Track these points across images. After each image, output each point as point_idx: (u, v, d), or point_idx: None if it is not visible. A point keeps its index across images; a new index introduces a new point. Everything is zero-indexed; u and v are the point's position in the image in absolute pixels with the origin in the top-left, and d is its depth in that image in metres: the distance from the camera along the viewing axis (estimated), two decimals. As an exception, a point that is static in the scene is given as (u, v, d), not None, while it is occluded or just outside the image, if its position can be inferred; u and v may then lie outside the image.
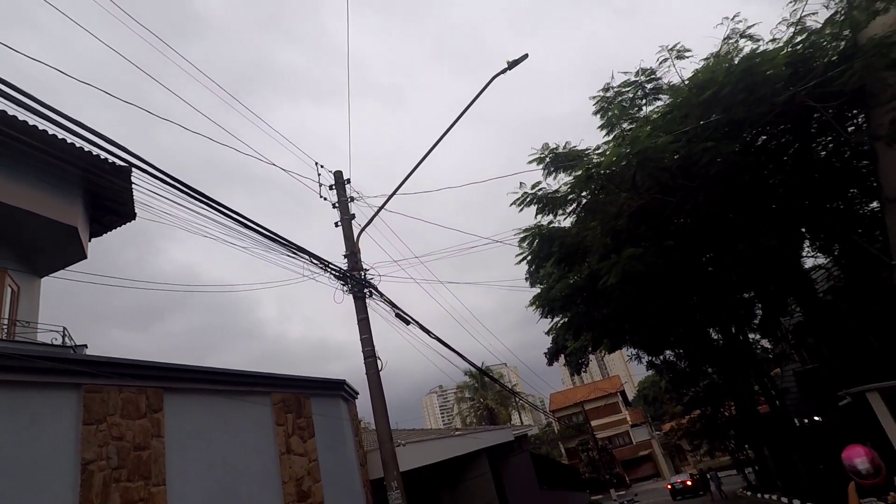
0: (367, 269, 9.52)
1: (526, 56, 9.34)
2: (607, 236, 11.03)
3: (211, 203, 6.27)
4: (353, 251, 9.58)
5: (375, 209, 9.98)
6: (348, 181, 10.18)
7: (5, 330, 7.47)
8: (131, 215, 10.58)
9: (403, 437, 13.55)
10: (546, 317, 16.40)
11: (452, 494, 15.24)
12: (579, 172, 9.91)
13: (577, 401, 52.41)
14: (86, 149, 7.38)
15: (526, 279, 29.72)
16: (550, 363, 29.25)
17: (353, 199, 10.06)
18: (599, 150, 10.52)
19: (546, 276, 25.39)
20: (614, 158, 8.55)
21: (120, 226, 11.16)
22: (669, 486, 32.09)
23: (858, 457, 4.51)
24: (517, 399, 42.90)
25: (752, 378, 20.02)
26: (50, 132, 6.89)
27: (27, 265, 8.66)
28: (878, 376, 10.27)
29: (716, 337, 20.58)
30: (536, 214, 12.10)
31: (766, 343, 24.76)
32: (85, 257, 9.72)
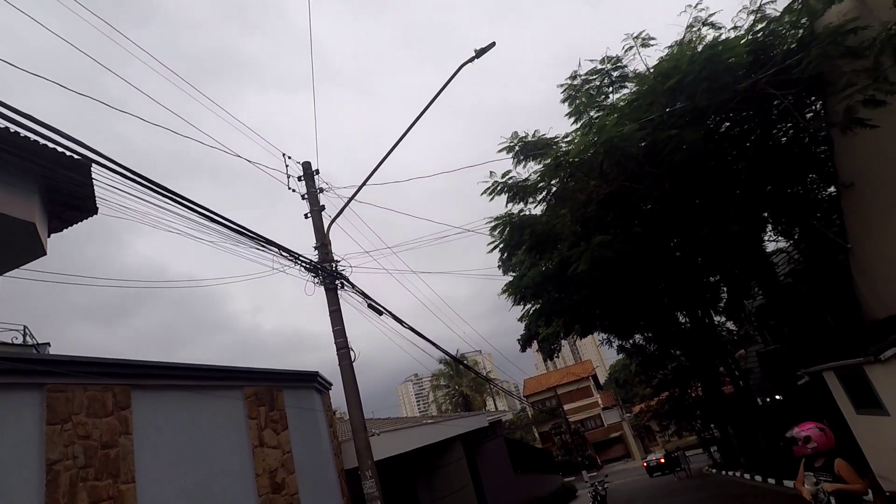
0: (338, 261, 9.47)
1: (493, 44, 9.33)
2: (577, 224, 11.20)
3: (175, 197, 6.13)
4: (323, 243, 9.50)
5: (345, 200, 9.90)
6: (317, 172, 10.05)
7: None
8: (93, 210, 10.25)
9: (378, 426, 13.59)
10: (518, 304, 16.61)
11: (428, 481, 15.38)
12: (548, 161, 10.01)
13: (551, 385, 53.38)
14: (41, 143, 7.14)
15: (498, 267, 29.96)
16: (524, 349, 29.66)
17: (322, 190, 9.95)
18: (568, 138, 10.64)
19: (518, 264, 25.63)
20: (582, 147, 8.66)
21: (81, 221, 10.80)
22: (645, 464, 34.38)
23: (798, 426, 4.80)
24: (491, 386, 43.47)
25: (718, 360, 20.71)
26: (1, 126, 6.60)
27: (-19, 262, 8.31)
28: (834, 356, 10.74)
29: (683, 320, 21.20)
30: (507, 203, 12.20)
31: (731, 325, 25.62)
32: (45, 254, 9.39)
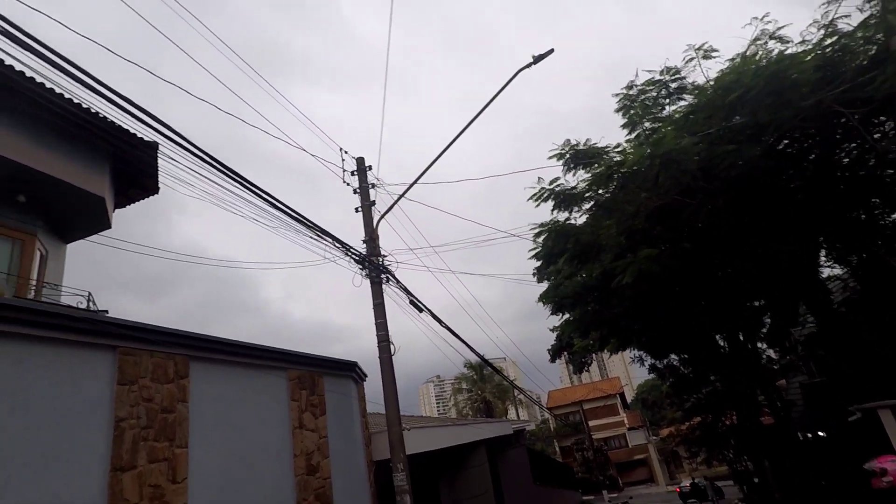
0: (385, 256, 9.67)
1: (552, 51, 9.37)
2: (622, 235, 11.09)
3: (244, 182, 6.43)
4: (372, 237, 9.72)
5: (394, 196, 10.10)
6: (370, 168, 10.29)
7: (33, 291, 7.68)
8: (154, 189, 10.77)
9: (407, 422, 13.72)
10: (556, 314, 16.48)
11: (450, 483, 15.43)
12: (600, 170, 9.96)
13: (576, 400, 52.51)
14: (115, 123, 7.64)
15: (533, 274, 29.84)
16: (553, 360, 29.43)
17: (373, 185, 10.18)
18: (620, 148, 10.59)
19: (554, 273, 25.45)
20: (638, 158, 8.57)
21: (143, 199, 11.35)
22: (678, 490, 33.68)
23: (877, 458, 4.62)
24: (515, 394, 43.19)
25: (757, 388, 20.00)
26: (83, 104, 7.06)
27: (55, 231, 8.86)
28: (890, 392, 10.24)
29: (722, 344, 20.55)
30: (553, 210, 12.18)
31: (772, 353, 24.68)
32: (109, 227, 9.93)
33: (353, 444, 9.43)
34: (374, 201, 10.03)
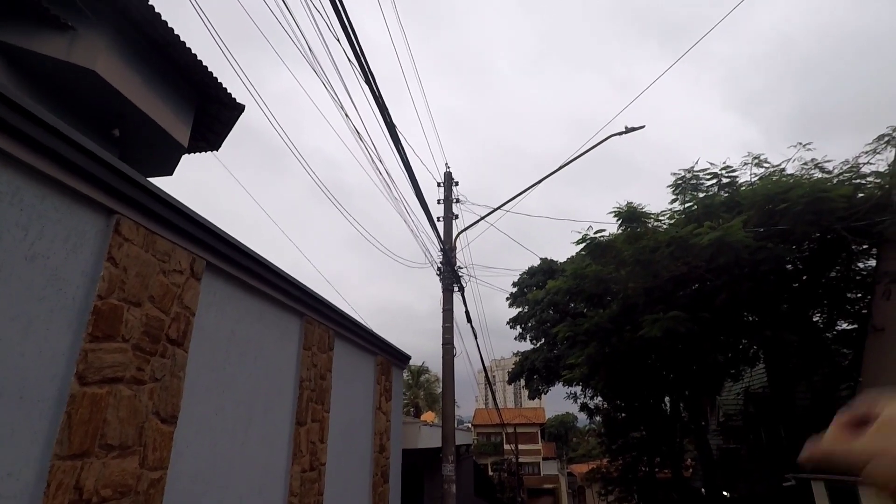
0: (461, 267, 10.61)
1: (643, 126, 10.79)
2: (645, 295, 12.61)
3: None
4: (451, 247, 10.64)
5: (475, 215, 11.13)
6: (457, 183, 11.22)
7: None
8: (216, 146, 10.93)
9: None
10: (565, 344, 17.72)
11: (430, 476, 16.51)
12: (644, 239, 11.40)
13: (502, 422, 54.41)
14: (213, 74, 7.93)
15: (506, 299, 31.28)
16: (511, 382, 31.15)
17: (458, 200, 11.11)
18: (666, 215, 12.24)
19: (532, 302, 26.95)
20: (701, 238, 9.97)
21: (201, 152, 11.46)
22: None
23: None
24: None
25: (672, 443, 22.31)
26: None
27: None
28: (785, 466, 12.38)
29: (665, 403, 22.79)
30: (581, 251, 13.56)
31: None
32: (171, 174, 9.89)
33: (399, 432, 10.24)
34: (456, 215, 10.96)
